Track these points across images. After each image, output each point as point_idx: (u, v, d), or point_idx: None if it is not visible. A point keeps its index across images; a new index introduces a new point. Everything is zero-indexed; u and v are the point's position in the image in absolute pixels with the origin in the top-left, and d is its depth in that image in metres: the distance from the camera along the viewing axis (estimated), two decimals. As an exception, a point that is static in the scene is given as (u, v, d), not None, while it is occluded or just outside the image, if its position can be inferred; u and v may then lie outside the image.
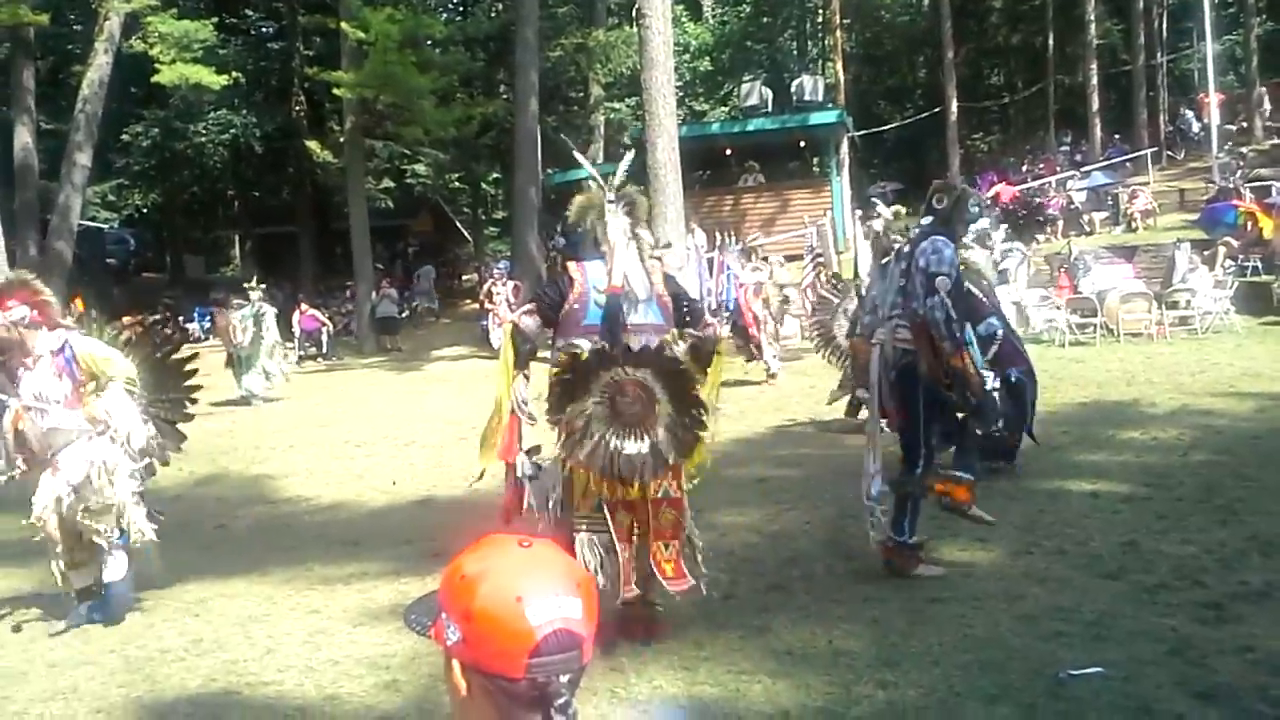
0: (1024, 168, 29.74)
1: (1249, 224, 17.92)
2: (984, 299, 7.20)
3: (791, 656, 4.56)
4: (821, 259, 19.09)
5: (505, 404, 4.94)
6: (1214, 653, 4.25)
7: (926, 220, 5.62)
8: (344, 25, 23.76)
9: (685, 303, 5.18)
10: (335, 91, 25.24)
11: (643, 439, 4.57)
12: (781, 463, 8.75)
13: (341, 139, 26.88)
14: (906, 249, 5.64)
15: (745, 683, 4.29)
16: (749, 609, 5.20)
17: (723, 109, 35.29)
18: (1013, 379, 7.19)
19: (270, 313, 16.80)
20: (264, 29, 36.74)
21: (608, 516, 4.63)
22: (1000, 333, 7.10)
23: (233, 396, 15.70)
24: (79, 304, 12.72)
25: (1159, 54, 33.48)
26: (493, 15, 34.24)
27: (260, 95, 32.59)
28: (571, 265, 5.10)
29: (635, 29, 21.50)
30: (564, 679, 1.31)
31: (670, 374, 4.65)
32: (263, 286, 17.53)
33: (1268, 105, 28.41)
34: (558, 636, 1.29)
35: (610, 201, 5.15)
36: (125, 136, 29.95)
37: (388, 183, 30.46)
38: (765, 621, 4.99)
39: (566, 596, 1.32)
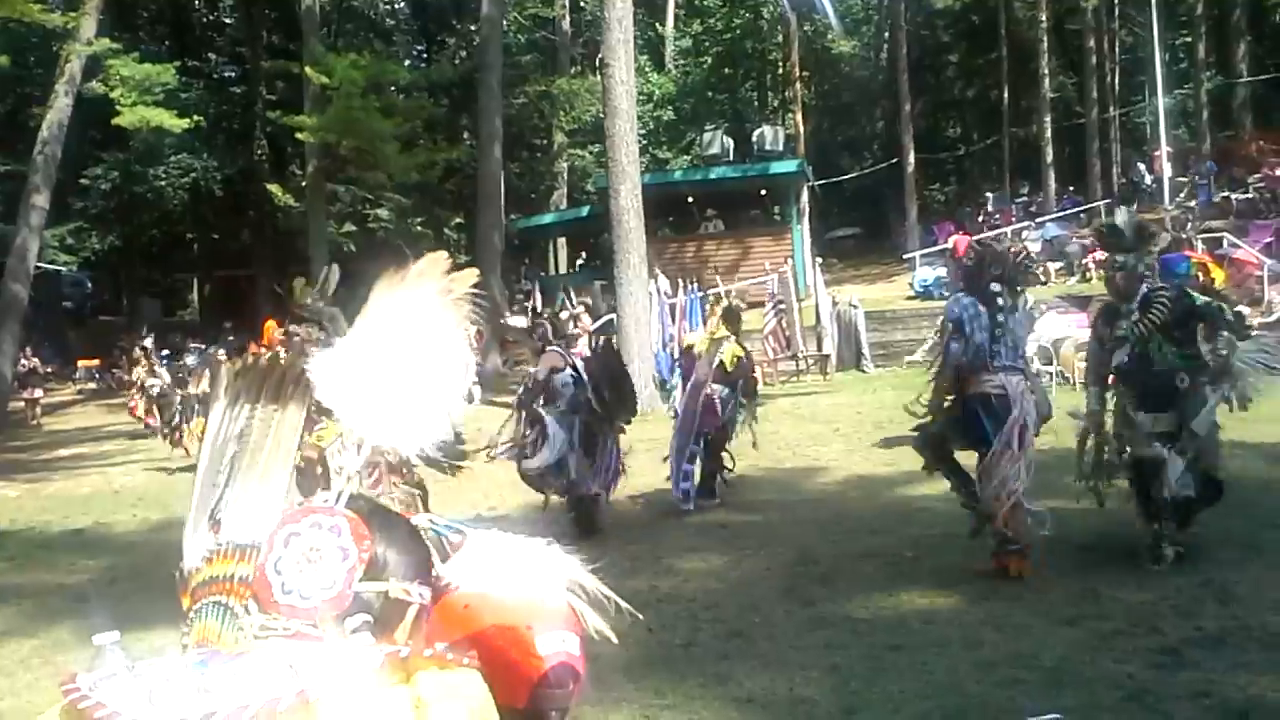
0: (979, 218, 30.22)
1: (1201, 274, 18.28)
2: None
3: (752, 704, 4.55)
4: (783, 305, 19.28)
5: None
6: (1170, 698, 4.28)
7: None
8: (307, 70, 23.82)
9: None
10: (298, 136, 25.25)
11: None
12: (742, 509, 8.75)
13: (303, 183, 26.85)
14: None
15: (706, 731, 4.28)
16: (710, 656, 5.18)
17: (685, 157, 35.61)
18: None
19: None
20: (226, 73, 36.77)
21: None
22: None
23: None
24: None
25: (1112, 108, 34.26)
26: (456, 62, 34.52)
27: (222, 138, 32.53)
28: None
29: (599, 77, 21.74)
30: (555, 714, 1.31)
31: None
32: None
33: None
34: (564, 669, 1.30)
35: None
36: (84, 179, 29.69)
37: (349, 227, 30.38)
38: (726, 669, 4.97)
39: (570, 632, 1.34)
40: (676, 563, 7.05)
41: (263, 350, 5.70)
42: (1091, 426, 6.38)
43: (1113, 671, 4.61)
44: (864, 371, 19.39)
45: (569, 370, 8.12)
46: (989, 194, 33.33)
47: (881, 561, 6.72)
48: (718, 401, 8.96)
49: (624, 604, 1.54)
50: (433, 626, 1.40)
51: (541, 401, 8.00)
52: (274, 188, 28.25)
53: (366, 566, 1.34)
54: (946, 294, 15.63)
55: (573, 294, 13.37)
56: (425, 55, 39.20)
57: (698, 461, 8.99)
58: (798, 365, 19.49)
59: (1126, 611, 5.37)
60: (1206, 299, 6.38)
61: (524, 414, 8.06)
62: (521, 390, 8.31)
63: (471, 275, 1.64)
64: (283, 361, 1.56)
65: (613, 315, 14.24)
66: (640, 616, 1.69)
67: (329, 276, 6.46)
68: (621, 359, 9.18)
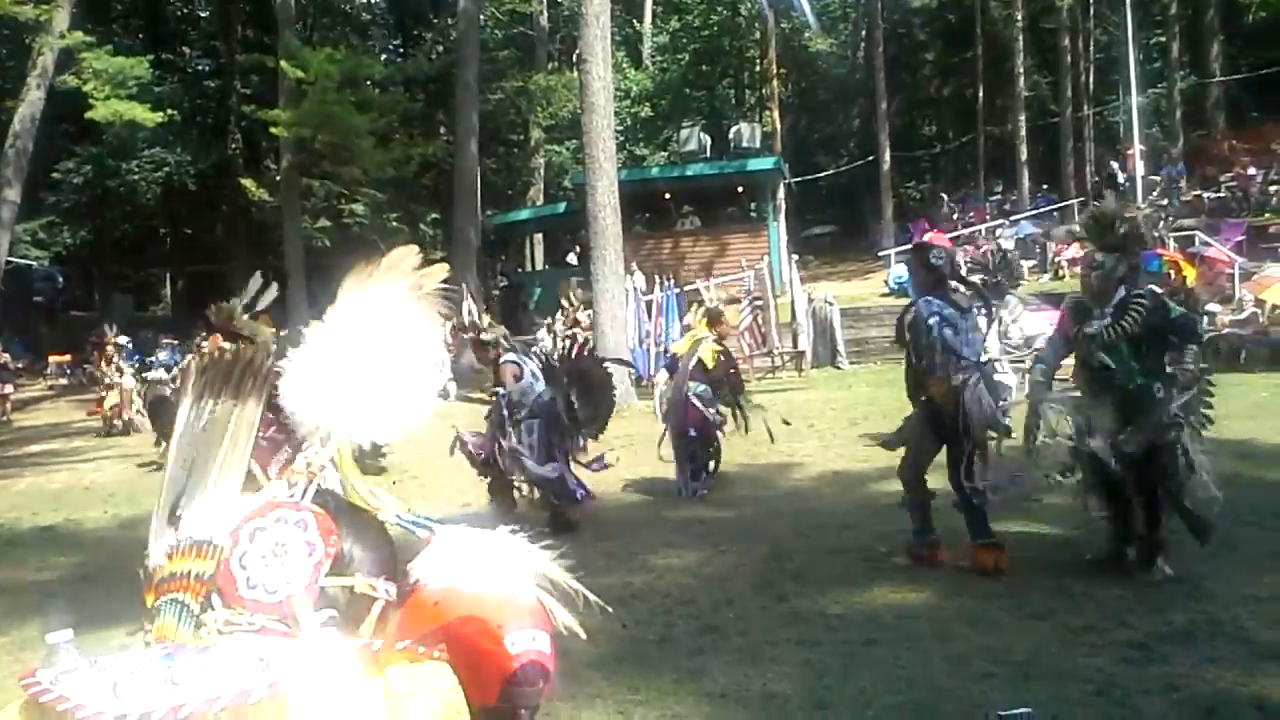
0: (954, 216, 30.41)
1: (1173, 272, 18.46)
2: None
3: (725, 699, 4.56)
4: (759, 302, 19.33)
5: None
6: (1139, 693, 4.32)
7: None
8: (283, 64, 23.67)
9: None
10: (272, 130, 25.10)
11: None
12: (718, 504, 8.77)
13: (278, 178, 26.68)
14: None
15: (679, 726, 4.29)
16: (683, 651, 5.19)
17: (662, 154, 35.64)
18: None
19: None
20: (201, 66, 36.49)
21: None
22: None
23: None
24: None
25: (1086, 106, 34.53)
26: (433, 57, 34.37)
27: (195, 133, 32.28)
28: None
29: (576, 74, 21.71)
30: (525, 712, 1.31)
31: None
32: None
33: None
34: (534, 667, 1.30)
35: None
36: (56, 173, 29.42)
37: (324, 222, 30.23)
38: (699, 664, 4.98)
39: (541, 630, 1.34)
40: (651, 559, 7.06)
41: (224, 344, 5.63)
42: (1032, 404, 6.21)
43: (1083, 666, 4.65)
44: (839, 368, 19.49)
45: (529, 374, 8.09)
46: (943, 195, 33.64)
47: (855, 557, 6.75)
48: (695, 400, 9.11)
49: (594, 598, 1.54)
50: (403, 622, 1.39)
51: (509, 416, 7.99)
52: (248, 182, 28.07)
53: (333, 562, 1.33)
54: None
55: (573, 297, 13.36)
56: (401, 50, 39.03)
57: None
58: (773, 362, 19.55)
59: (1097, 606, 5.42)
60: (1184, 313, 6.12)
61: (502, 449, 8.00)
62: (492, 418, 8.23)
63: (442, 270, 1.63)
64: (243, 355, 1.55)
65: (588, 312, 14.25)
66: (611, 610, 1.69)
67: (260, 291, 6.39)
68: (604, 368, 9.01)
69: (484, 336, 8.27)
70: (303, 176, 26.49)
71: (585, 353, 9.17)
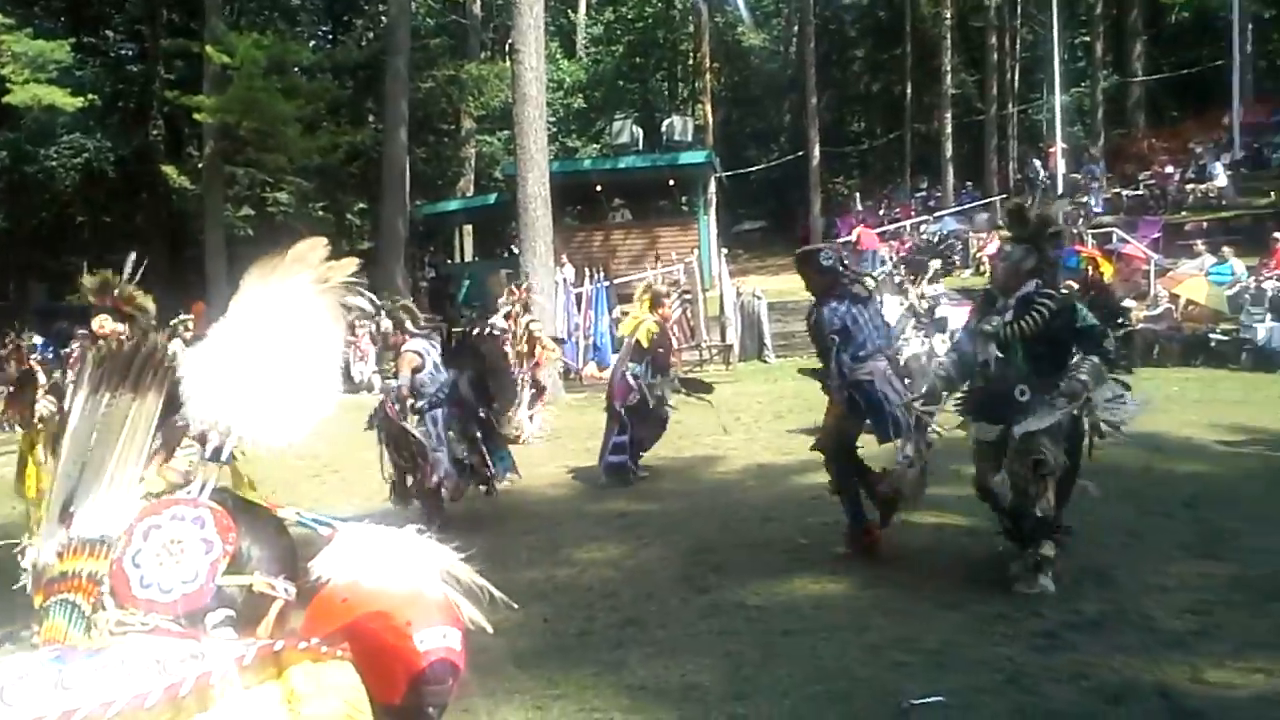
0: (880, 211, 30.82)
1: (1091, 268, 18.91)
2: None
3: (645, 691, 4.58)
4: (689, 295, 19.37)
5: None
6: (1048, 681, 4.42)
7: None
8: (208, 49, 23.25)
9: None
10: (196, 116, 24.63)
11: None
12: (642, 498, 8.79)
13: (200, 165, 26.16)
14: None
15: (597, 720, 4.30)
16: (604, 645, 5.20)
17: (594, 146, 35.59)
18: None
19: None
20: (124, 51, 35.58)
21: None
22: None
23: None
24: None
25: (1010, 105, 35.19)
26: (363, 44, 33.90)
27: (117, 118, 31.49)
28: None
29: (508, 63, 21.56)
30: (433, 710, 1.30)
31: None
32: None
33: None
34: (444, 665, 1.29)
35: None
36: (-29, 160, 28.56)
37: (247, 210, 29.68)
38: (620, 657, 5.00)
39: (451, 627, 1.33)
40: (574, 553, 7.05)
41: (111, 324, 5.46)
42: (926, 397, 6.16)
43: (994, 654, 4.74)
44: (766, 361, 19.62)
45: (430, 366, 7.96)
46: (857, 193, 34.18)
47: (777, 549, 6.81)
48: (629, 378, 9.34)
49: (499, 595, 1.53)
50: (309, 620, 1.38)
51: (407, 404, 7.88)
52: (170, 169, 27.51)
53: (230, 560, 1.31)
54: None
55: (514, 291, 13.25)
56: (331, 36, 38.42)
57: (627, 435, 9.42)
58: (701, 355, 19.62)
59: (1008, 596, 5.51)
60: (1093, 324, 5.67)
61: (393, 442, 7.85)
62: (380, 415, 7.99)
63: (350, 264, 1.61)
64: (144, 347, 1.52)
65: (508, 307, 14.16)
66: (518, 607, 1.69)
67: (131, 266, 6.20)
68: (499, 351, 8.97)
69: (386, 316, 8.04)
70: (226, 164, 26.03)
71: (483, 333, 9.04)
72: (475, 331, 8.97)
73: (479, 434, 8.02)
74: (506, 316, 12.63)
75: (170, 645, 1.23)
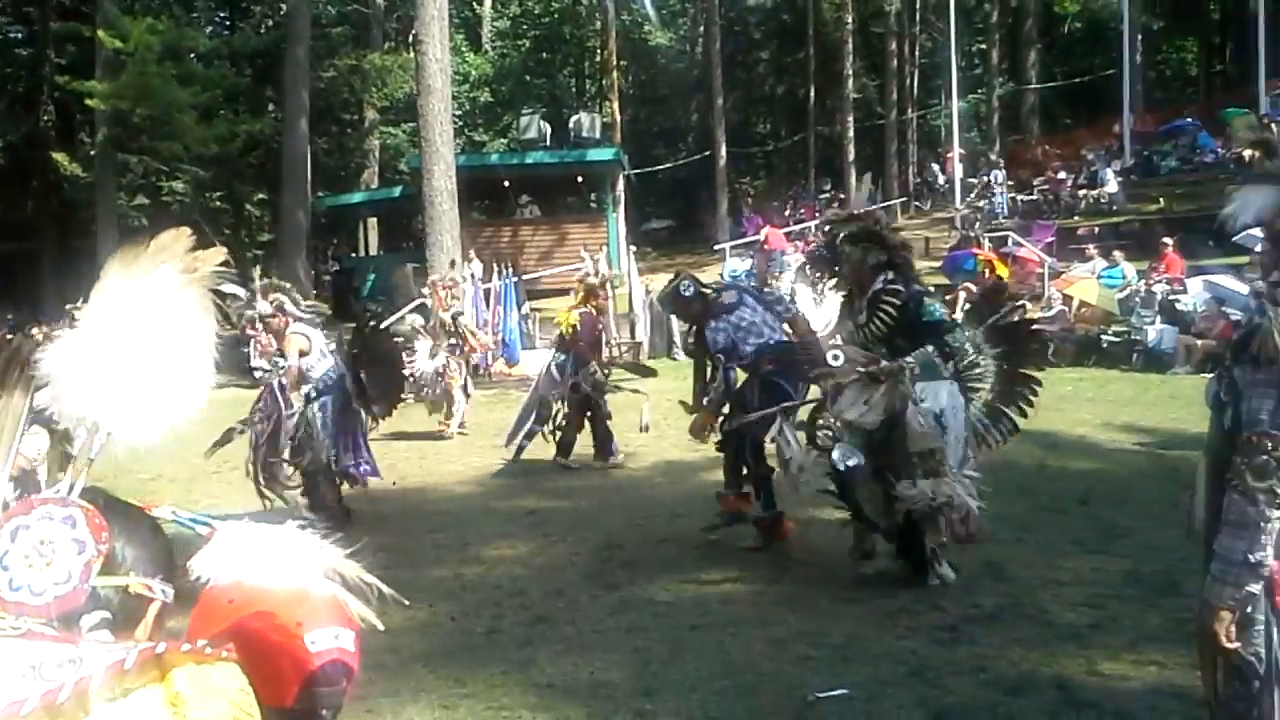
0: (786, 212, 31.20)
1: (987, 270, 19.43)
2: None
3: (553, 689, 4.56)
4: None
5: None
6: (949, 673, 4.51)
7: None
8: (100, 33, 22.54)
9: None
10: (88, 102, 23.82)
11: None
12: (551, 495, 8.76)
13: (92, 152, 25.33)
14: None
15: (505, 719, 4.26)
16: (512, 643, 5.16)
17: (501, 141, 35.32)
18: None
19: None
20: (11, 33, 34.21)
21: None
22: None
23: None
24: None
25: (910, 110, 35.94)
26: (262, 31, 33.12)
27: (4, 103, 30.34)
28: None
29: (412, 54, 21.28)
30: (326, 713, 1.28)
31: None
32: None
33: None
34: (336, 666, 1.26)
35: None
36: None
37: (142, 199, 28.79)
38: (528, 655, 4.96)
39: (343, 627, 1.30)
40: (483, 550, 6.99)
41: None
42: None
43: (897, 648, 4.83)
44: (675, 359, 19.72)
45: (317, 350, 7.66)
46: (742, 205, 34.66)
47: (685, 545, 6.85)
48: (554, 369, 9.64)
49: (390, 591, 1.50)
50: (195, 622, 1.34)
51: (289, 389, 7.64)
52: (60, 156, 26.63)
53: (104, 561, 1.27)
54: (755, 284, 16.09)
55: (436, 285, 13.04)
56: (229, 22, 37.42)
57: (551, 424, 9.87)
58: (610, 353, 19.63)
59: (910, 590, 5.62)
60: (940, 316, 5.73)
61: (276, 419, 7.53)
62: (262, 405, 7.66)
63: (218, 254, 1.57)
64: (9, 345, 1.46)
65: (424, 299, 14.01)
66: (409, 604, 1.66)
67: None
68: (393, 345, 8.81)
69: (265, 302, 7.73)
70: (119, 151, 25.28)
71: (372, 327, 8.81)
72: (378, 327, 8.83)
73: (355, 431, 7.85)
74: (432, 310, 12.60)
75: (46, 650, 1.18)
